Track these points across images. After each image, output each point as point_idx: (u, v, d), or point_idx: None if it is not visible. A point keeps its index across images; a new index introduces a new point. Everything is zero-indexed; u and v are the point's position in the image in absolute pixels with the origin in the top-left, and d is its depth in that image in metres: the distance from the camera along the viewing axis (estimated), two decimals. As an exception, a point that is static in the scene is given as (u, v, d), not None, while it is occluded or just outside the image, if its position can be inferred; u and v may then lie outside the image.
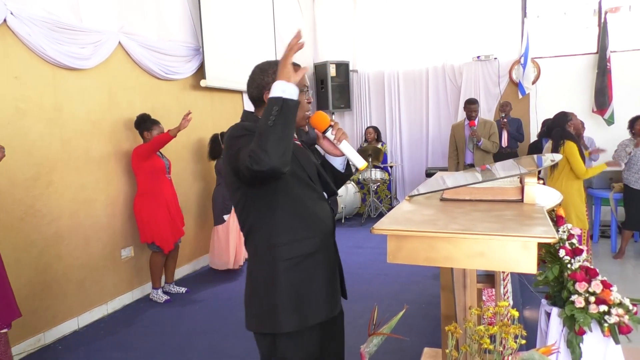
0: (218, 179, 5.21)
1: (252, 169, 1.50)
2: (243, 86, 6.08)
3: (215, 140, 5.18)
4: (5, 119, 3.36)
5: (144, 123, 4.32)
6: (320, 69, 8.17)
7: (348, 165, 1.98)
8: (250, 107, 1.95)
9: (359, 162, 1.84)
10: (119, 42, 4.26)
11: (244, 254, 5.29)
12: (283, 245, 1.72)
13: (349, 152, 1.85)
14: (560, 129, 4.61)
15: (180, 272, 5.10)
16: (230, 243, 5.16)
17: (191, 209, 5.24)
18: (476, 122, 5.71)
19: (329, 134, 1.82)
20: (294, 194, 1.75)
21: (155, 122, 4.33)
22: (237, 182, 1.71)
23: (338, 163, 1.95)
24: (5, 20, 3.27)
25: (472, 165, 5.75)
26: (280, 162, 1.49)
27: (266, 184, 1.67)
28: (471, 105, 5.78)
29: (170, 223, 4.37)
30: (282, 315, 1.71)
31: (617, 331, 1.92)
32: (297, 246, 1.74)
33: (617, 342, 1.94)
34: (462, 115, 7.65)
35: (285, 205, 1.73)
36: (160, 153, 4.41)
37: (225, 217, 5.15)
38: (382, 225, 1.71)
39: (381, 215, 7.46)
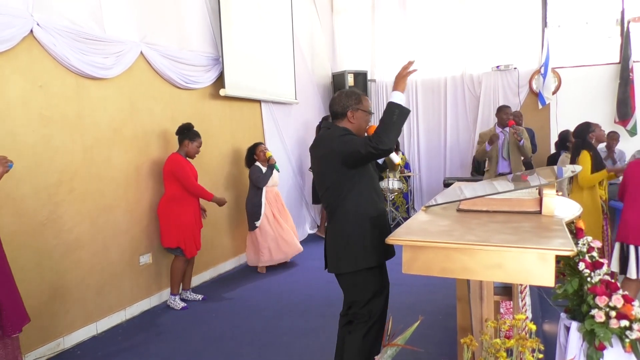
0: (250, 187, 5.40)
1: (377, 147, 2.29)
2: (261, 95, 6.23)
3: (250, 149, 5.47)
4: (30, 126, 3.45)
5: (188, 132, 4.45)
6: (338, 79, 8.19)
7: (384, 161, 2.83)
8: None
9: (396, 159, 2.80)
10: (141, 52, 4.35)
11: (282, 255, 5.62)
12: (368, 208, 2.51)
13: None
14: (581, 140, 4.54)
15: (199, 278, 5.13)
16: (266, 243, 5.42)
17: (210, 216, 5.28)
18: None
19: None
20: (370, 173, 2.58)
21: (198, 135, 4.49)
22: (337, 167, 2.46)
23: (380, 160, 2.80)
24: (31, 31, 3.36)
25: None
26: (393, 145, 2.34)
27: (362, 165, 2.48)
28: (507, 109, 5.66)
29: (194, 230, 4.47)
30: (372, 253, 2.48)
31: (639, 347, 1.87)
32: (375, 209, 2.54)
33: (639, 358, 1.89)
34: (482, 125, 7.60)
35: (367, 181, 2.54)
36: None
37: (257, 223, 5.35)
38: (398, 236, 1.71)
39: (398, 225, 7.41)
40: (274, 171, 5.44)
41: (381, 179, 2.90)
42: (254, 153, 5.43)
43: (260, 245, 5.42)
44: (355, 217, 2.50)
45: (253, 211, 5.36)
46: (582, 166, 4.32)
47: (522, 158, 5.64)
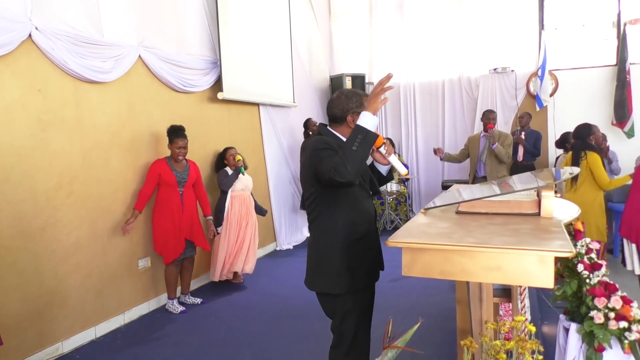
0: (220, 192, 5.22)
1: (334, 178, 1.99)
2: (259, 98, 6.24)
3: (220, 154, 5.27)
4: (29, 130, 3.45)
5: (168, 136, 4.39)
6: (336, 81, 8.21)
7: (390, 171, 2.53)
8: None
9: (402, 170, 2.39)
10: (139, 56, 4.35)
11: (239, 267, 5.15)
12: (342, 231, 2.24)
13: (395, 163, 2.38)
14: (582, 141, 4.57)
15: (197, 282, 5.12)
16: (221, 254, 5.03)
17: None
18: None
19: (382, 149, 2.34)
20: (353, 192, 2.26)
21: (178, 136, 4.34)
22: (313, 181, 2.22)
23: (384, 170, 2.51)
24: (30, 35, 3.37)
25: (484, 178, 5.66)
26: (354, 177, 2.02)
27: (332, 187, 2.16)
28: (489, 114, 5.75)
29: (172, 235, 4.33)
30: (338, 280, 2.25)
31: (638, 348, 1.88)
32: (352, 232, 2.25)
33: (638, 359, 1.90)
34: (479, 127, 7.61)
35: (346, 201, 2.25)
36: (180, 168, 4.45)
37: (219, 229, 5.04)
38: (397, 238, 1.71)
39: (397, 227, 7.42)
40: (245, 175, 5.19)
41: (377, 193, 2.72)
42: (224, 158, 5.21)
43: (216, 254, 5.06)
44: (328, 238, 2.28)
45: (216, 217, 5.06)
46: (597, 169, 4.42)
47: (514, 162, 5.70)
